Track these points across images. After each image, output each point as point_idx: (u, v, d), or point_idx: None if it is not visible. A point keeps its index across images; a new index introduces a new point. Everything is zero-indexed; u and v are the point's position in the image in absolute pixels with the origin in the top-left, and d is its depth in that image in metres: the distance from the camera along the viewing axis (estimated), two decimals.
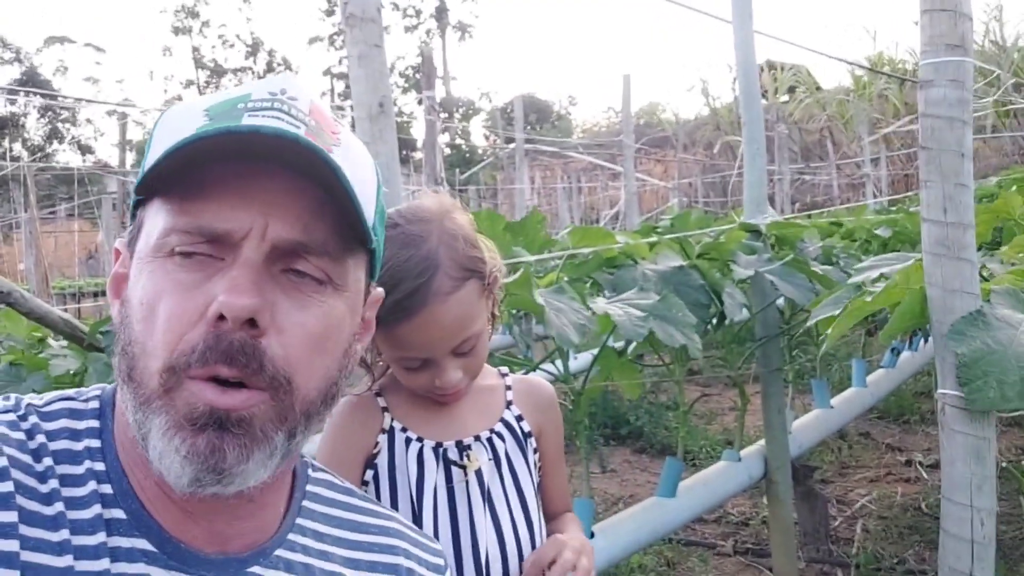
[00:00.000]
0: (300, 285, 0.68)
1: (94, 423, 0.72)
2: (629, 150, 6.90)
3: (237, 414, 0.65)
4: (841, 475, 4.23)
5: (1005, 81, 9.99)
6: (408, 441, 1.14)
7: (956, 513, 1.54)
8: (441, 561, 0.88)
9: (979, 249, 2.07)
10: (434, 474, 1.13)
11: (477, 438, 1.16)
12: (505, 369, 1.27)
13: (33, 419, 0.69)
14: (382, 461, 1.14)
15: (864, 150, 12.15)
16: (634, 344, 2.79)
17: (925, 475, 4.10)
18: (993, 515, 1.54)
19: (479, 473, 1.14)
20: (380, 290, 0.82)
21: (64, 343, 2.56)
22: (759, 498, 3.71)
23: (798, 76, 16.25)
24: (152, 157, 0.67)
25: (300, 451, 0.72)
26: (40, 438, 0.68)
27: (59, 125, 34.75)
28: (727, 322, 3.03)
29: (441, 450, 1.14)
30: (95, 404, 0.73)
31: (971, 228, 1.54)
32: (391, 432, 1.15)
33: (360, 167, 0.72)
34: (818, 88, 16.41)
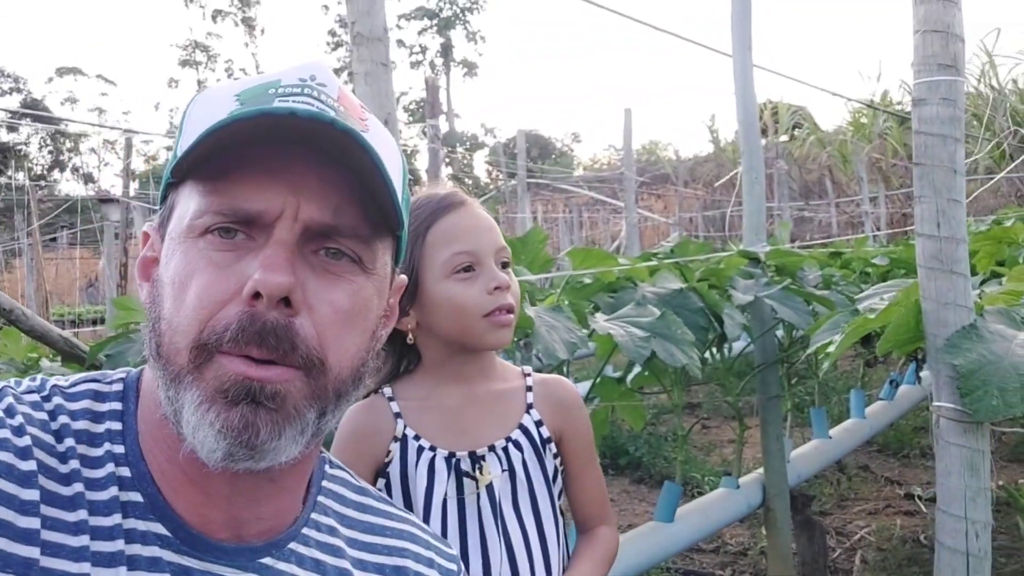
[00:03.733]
0: (330, 265, 0.70)
1: (116, 405, 0.73)
2: (630, 182, 6.96)
3: (272, 387, 0.65)
4: (840, 507, 4.21)
5: (1000, 124, 10.11)
6: (420, 450, 1.12)
7: (951, 525, 1.54)
8: (455, 567, 0.87)
9: (982, 283, 2.09)
10: (444, 485, 1.11)
11: (492, 448, 1.14)
12: (529, 369, 1.24)
13: (57, 400, 0.70)
14: (394, 470, 1.12)
15: (863, 188, 12.25)
16: (634, 373, 2.81)
17: (924, 508, 4.07)
18: (988, 528, 1.55)
19: (490, 487, 1.12)
20: (403, 277, 0.83)
21: (59, 363, 2.57)
22: (757, 528, 3.68)
23: (800, 115, 16.43)
24: (185, 140, 0.68)
25: (327, 431, 0.72)
26: (63, 419, 0.69)
27: (63, 155, 35.05)
28: (727, 347, 3.05)
29: (454, 460, 1.12)
30: (119, 387, 0.74)
31: (964, 243, 1.57)
32: (404, 440, 1.13)
33: (389, 152, 0.74)
34: (817, 128, 16.58)
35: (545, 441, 1.17)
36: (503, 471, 1.14)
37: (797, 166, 14.94)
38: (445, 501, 1.11)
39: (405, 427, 1.14)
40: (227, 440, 0.64)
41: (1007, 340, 1.49)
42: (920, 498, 4.21)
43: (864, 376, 4.56)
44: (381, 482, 1.13)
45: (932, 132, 1.57)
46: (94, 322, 12.57)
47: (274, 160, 0.67)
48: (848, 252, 3.97)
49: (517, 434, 1.16)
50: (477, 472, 1.12)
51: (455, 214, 1.13)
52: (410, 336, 1.15)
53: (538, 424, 1.18)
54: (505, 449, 1.14)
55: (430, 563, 0.84)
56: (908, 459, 4.96)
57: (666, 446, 5.03)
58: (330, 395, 0.69)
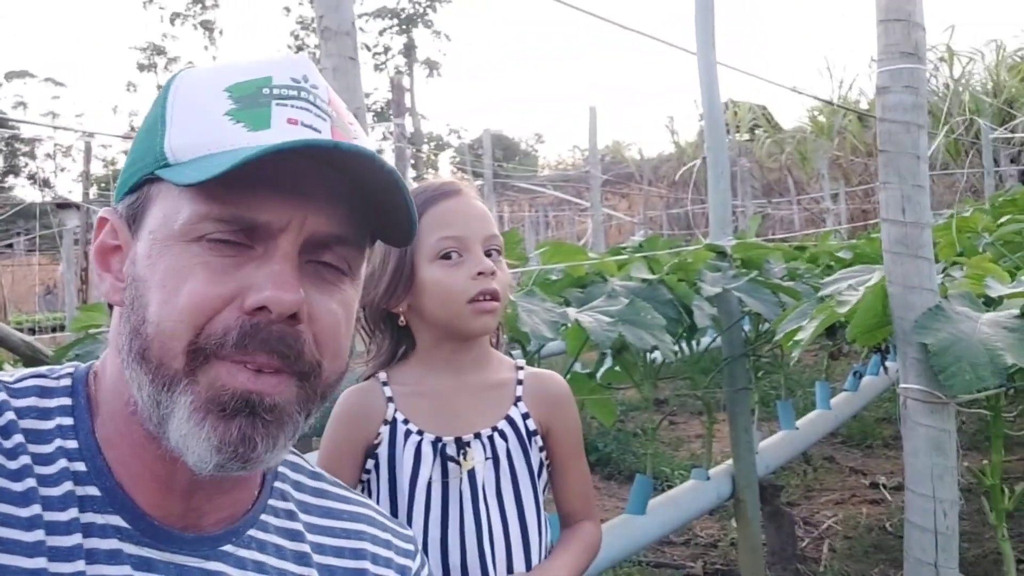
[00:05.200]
0: (323, 274, 0.70)
1: (66, 400, 0.71)
2: (596, 180, 7.00)
3: (270, 399, 0.65)
4: (807, 498, 4.27)
5: (955, 120, 10.34)
6: (408, 434, 1.15)
7: (919, 504, 1.58)
8: (411, 547, 0.88)
9: (944, 271, 2.14)
10: (429, 468, 1.13)
11: (478, 436, 1.16)
12: (522, 362, 1.26)
13: (2, 396, 0.68)
14: (382, 452, 1.15)
15: (824, 186, 12.45)
16: (604, 368, 2.82)
17: (889, 497, 4.15)
18: (956, 507, 1.58)
19: (472, 473, 1.14)
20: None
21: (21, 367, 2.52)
22: (727, 521, 3.72)
23: (762, 114, 16.64)
24: (177, 131, 0.67)
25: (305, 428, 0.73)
26: (8, 415, 0.67)
27: (17, 159, 34.29)
28: (695, 342, 3.08)
29: (440, 445, 1.14)
30: (67, 382, 0.72)
31: (928, 228, 1.61)
32: (393, 423, 1.15)
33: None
34: (778, 128, 16.81)
35: (531, 434, 1.19)
36: (487, 459, 1.16)
37: (759, 164, 15.15)
38: (430, 484, 1.13)
39: (396, 411, 1.16)
40: (223, 454, 0.64)
41: (972, 320, 1.53)
42: (884, 487, 4.29)
43: (828, 368, 4.63)
44: (371, 463, 1.15)
45: (896, 119, 1.60)
46: (53, 329, 12.29)
47: (282, 168, 0.66)
48: (812, 247, 4.04)
49: (503, 424, 1.18)
50: (461, 457, 1.14)
51: (448, 201, 1.16)
52: (402, 319, 1.18)
53: (525, 416, 1.19)
54: (491, 438, 1.17)
55: (387, 544, 0.84)
56: (872, 449, 5.05)
57: (635, 442, 5.06)
58: (318, 398, 0.70)
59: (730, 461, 3.02)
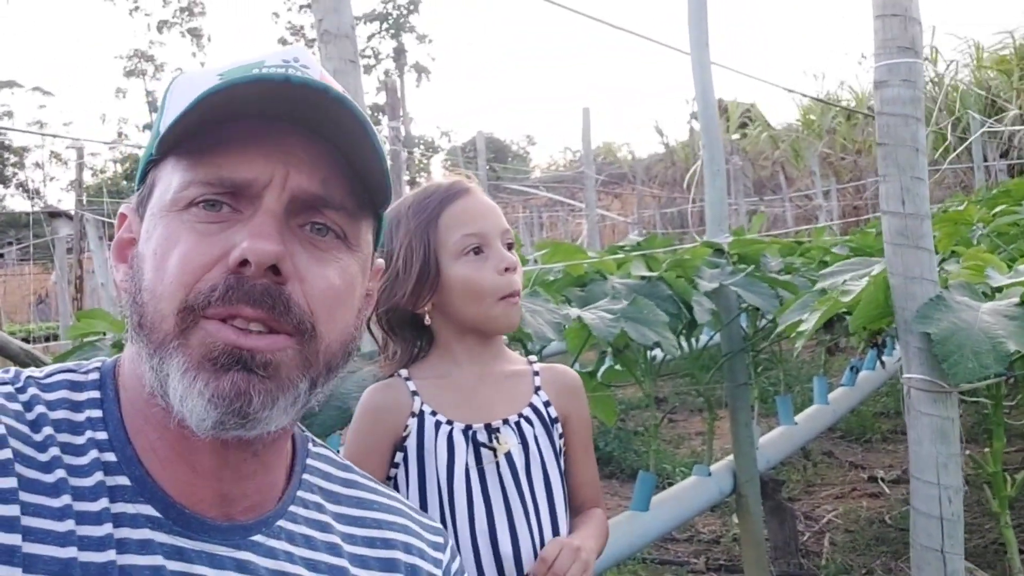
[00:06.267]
0: (317, 241, 0.70)
1: (95, 394, 0.72)
2: (590, 181, 7.02)
3: (263, 357, 0.65)
4: (807, 492, 4.29)
5: (941, 116, 10.39)
6: (438, 424, 1.16)
7: (925, 491, 1.59)
8: (441, 539, 0.88)
9: (942, 262, 2.16)
10: (464, 456, 1.15)
11: (506, 422, 1.18)
12: (534, 357, 1.30)
13: (32, 391, 0.69)
14: (411, 444, 1.16)
15: (816, 183, 12.50)
16: (605, 367, 2.83)
17: (888, 490, 4.17)
18: (960, 493, 1.60)
19: (509, 456, 1.16)
20: (381, 261, 0.84)
21: None
22: (728, 516, 3.74)
23: (749, 112, 16.72)
24: (169, 116, 0.68)
25: (315, 404, 0.72)
26: (39, 408, 0.68)
27: (6, 169, 34.11)
28: (694, 339, 3.10)
29: (471, 432, 1.16)
30: (95, 376, 0.74)
31: (927, 219, 1.63)
32: (420, 415, 1.16)
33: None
34: (769, 125, 16.88)
35: (553, 420, 1.22)
36: (517, 443, 1.18)
37: (750, 162, 15.19)
38: (468, 471, 1.14)
39: (422, 403, 1.17)
40: (218, 409, 0.64)
41: (973, 309, 1.55)
42: (883, 480, 4.32)
43: (826, 363, 4.65)
44: (399, 456, 1.16)
45: (894, 112, 1.63)
46: (46, 339, 12.25)
47: (262, 132, 0.67)
48: (807, 243, 4.06)
49: (528, 411, 1.21)
50: (494, 442, 1.16)
51: (463, 199, 1.19)
52: (427, 318, 1.20)
53: (546, 404, 1.23)
54: (518, 424, 1.19)
55: (419, 535, 0.85)
56: (870, 444, 5.08)
57: (636, 440, 5.07)
58: (321, 366, 0.70)
59: (731, 457, 3.03)
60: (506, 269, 1.16)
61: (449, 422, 1.16)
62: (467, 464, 1.14)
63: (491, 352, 1.23)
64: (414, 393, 1.18)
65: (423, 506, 1.13)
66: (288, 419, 0.68)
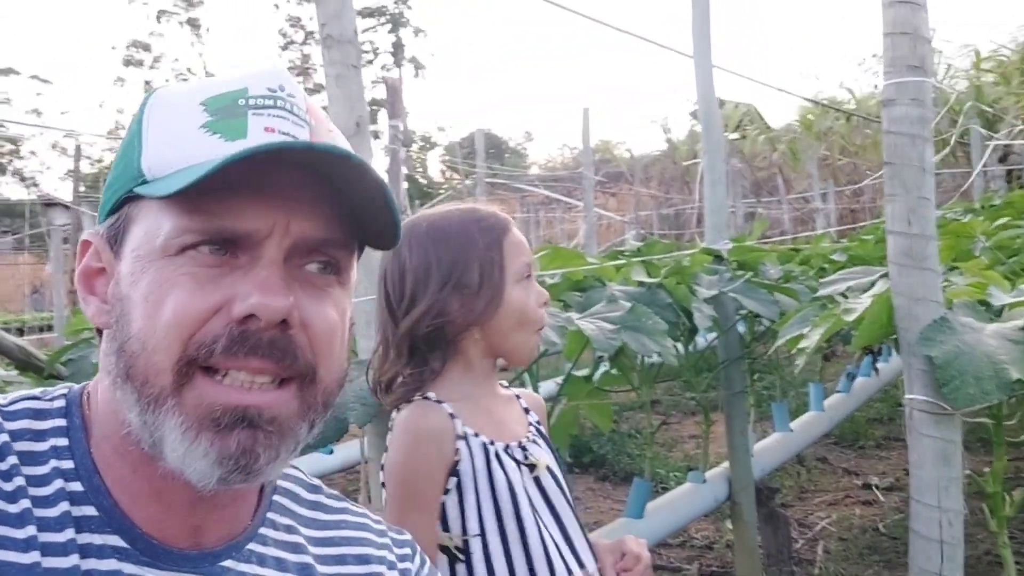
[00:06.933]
0: (315, 279, 0.69)
1: (60, 422, 0.70)
2: (589, 181, 7.01)
3: (269, 412, 0.64)
4: (801, 499, 4.30)
5: (941, 122, 10.40)
6: (483, 446, 1.15)
7: (925, 514, 1.59)
8: (408, 550, 0.87)
9: (944, 274, 2.16)
10: (518, 474, 1.15)
11: (527, 439, 1.21)
12: (504, 382, 1.31)
13: None
14: (465, 468, 1.13)
15: (814, 185, 12.50)
16: (601, 371, 2.83)
17: (882, 497, 4.18)
18: (961, 516, 1.59)
19: (550, 470, 1.18)
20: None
21: (15, 372, 2.49)
22: (722, 522, 3.74)
23: (747, 114, 16.70)
24: (152, 151, 0.66)
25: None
26: (3, 437, 0.66)
27: (2, 158, 33.95)
28: (693, 344, 3.09)
29: (509, 451, 1.17)
30: (60, 403, 0.71)
31: (933, 240, 1.62)
32: (466, 438, 1.15)
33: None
34: (767, 127, 16.89)
35: (546, 438, 1.26)
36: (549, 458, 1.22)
37: (747, 164, 15.21)
38: (527, 490, 1.15)
39: (463, 425, 1.16)
40: (224, 467, 0.63)
41: (977, 331, 1.55)
42: (877, 488, 4.32)
43: (822, 370, 4.65)
44: (453, 481, 1.13)
45: (902, 132, 1.61)
46: (41, 329, 12.21)
47: (257, 176, 0.64)
48: (805, 249, 4.06)
49: (532, 431, 1.24)
50: (532, 459, 1.18)
51: (515, 229, 1.23)
52: (472, 334, 1.20)
53: (538, 424, 1.26)
54: (534, 441, 1.21)
55: (388, 547, 0.84)
56: (864, 450, 5.08)
57: (630, 443, 5.07)
58: (320, 407, 0.69)
59: (726, 464, 3.03)
60: (543, 303, 1.21)
61: (491, 442, 1.16)
62: (524, 484, 1.15)
63: (495, 374, 1.26)
64: (451, 415, 1.16)
65: (492, 527, 1.11)
66: (288, 462, 0.68)
